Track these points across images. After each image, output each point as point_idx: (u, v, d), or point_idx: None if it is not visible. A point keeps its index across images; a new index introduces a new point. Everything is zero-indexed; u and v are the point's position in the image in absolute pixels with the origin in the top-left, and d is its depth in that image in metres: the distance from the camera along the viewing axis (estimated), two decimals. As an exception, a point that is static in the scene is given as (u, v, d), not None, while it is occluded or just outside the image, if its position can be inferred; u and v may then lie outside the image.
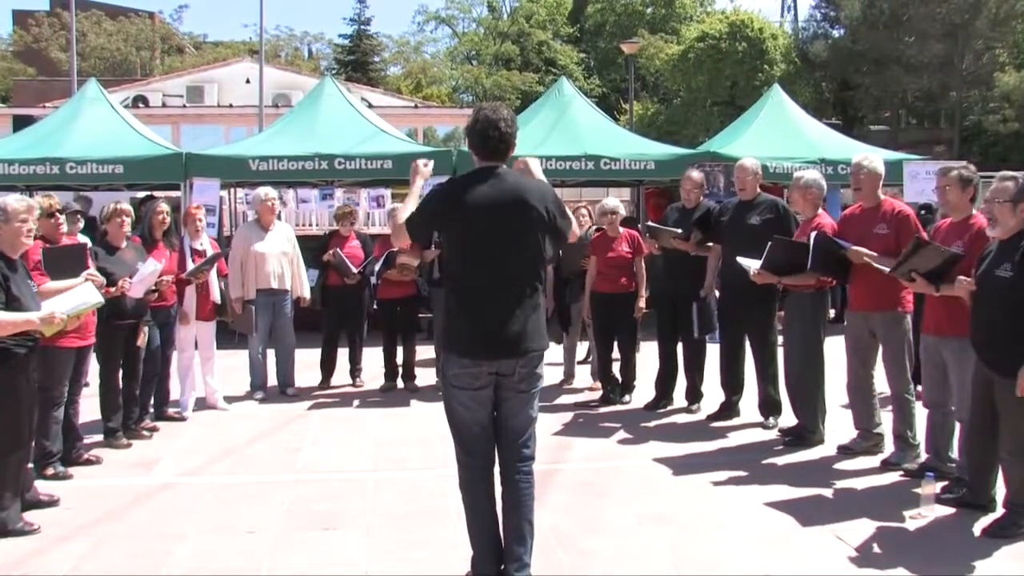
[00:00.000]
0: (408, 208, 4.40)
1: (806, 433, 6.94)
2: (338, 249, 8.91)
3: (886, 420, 6.54)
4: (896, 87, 32.63)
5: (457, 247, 4.27)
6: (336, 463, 6.65)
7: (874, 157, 6.59)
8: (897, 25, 31.98)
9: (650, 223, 8.16)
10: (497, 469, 4.35)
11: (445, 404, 4.36)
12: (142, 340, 7.06)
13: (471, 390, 4.20)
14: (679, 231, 7.65)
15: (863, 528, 5.16)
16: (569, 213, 4.43)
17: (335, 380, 9.22)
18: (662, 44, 42.55)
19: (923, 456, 6.11)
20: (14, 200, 5.16)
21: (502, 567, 4.27)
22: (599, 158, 12.78)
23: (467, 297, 4.21)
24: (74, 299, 5.54)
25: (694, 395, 8.07)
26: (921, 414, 6.16)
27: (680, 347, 8.11)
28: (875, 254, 6.03)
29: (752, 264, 6.74)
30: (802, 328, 6.89)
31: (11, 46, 48.35)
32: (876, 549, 4.90)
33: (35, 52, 44.96)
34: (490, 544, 4.28)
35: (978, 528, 5.09)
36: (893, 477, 6.10)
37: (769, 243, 6.60)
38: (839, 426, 6.95)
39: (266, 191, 8.85)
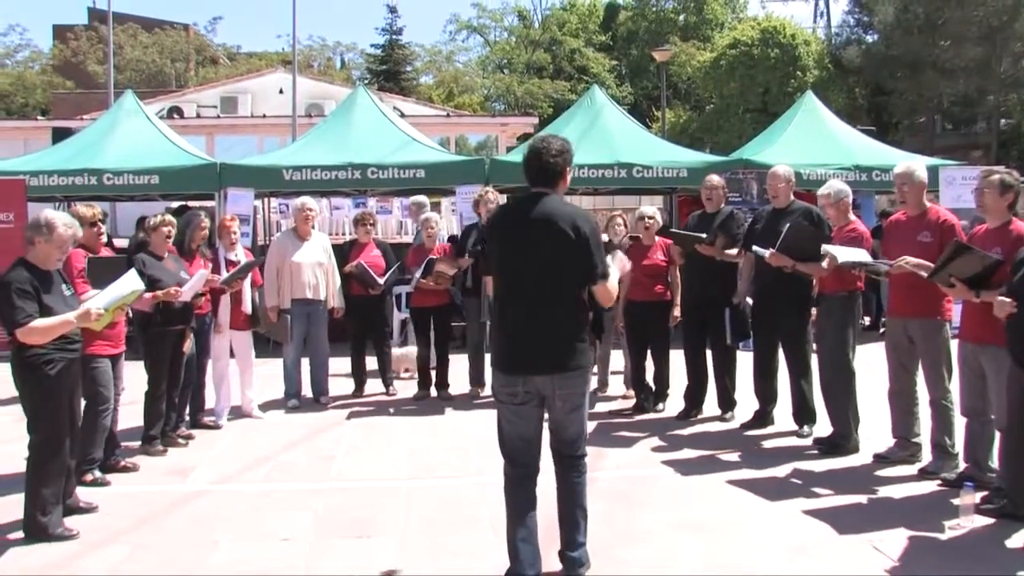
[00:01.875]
0: None
1: (840, 441, 6.88)
2: (361, 261, 8.93)
3: (924, 429, 6.45)
4: (931, 92, 32.33)
5: (495, 267, 4.52)
6: (370, 471, 6.68)
7: (917, 166, 6.50)
8: (932, 29, 31.66)
9: (674, 229, 8.13)
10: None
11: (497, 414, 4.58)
12: (188, 346, 7.15)
13: (513, 404, 4.41)
14: (704, 236, 7.62)
15: (900, 538, 5.10)
16: (609, 264, 4.49)
17: (368, 389, 9.25)
18: (694, 51, 42.55)
19: (962, 465, 6.03)
20: (62, 225, 5.25)
21: (559, 550, 4.47)
22: (631, 166, 12.77)
23: (501, 314, 4.48)
24: (115, 290, 5.56)
25: (727, 403, 8.02)
26: (960, 423, 6.07)
27: (710, 355, 8.07)
28: (916, 260, 5.95)
29: (766, 251, 6.78)
30: (832, 332, 6.85)
31: (51, 60, 49.08)
32: (913, 560, 4.84)
33: (74, 65, 45.60)
34: (527, 551, 4.36)
35: (1020, 540, 5.02)
36: (931, 486, 6.01)
37: (788, 225, 6.60)
38: (875, 434, 6.87)
39: (304, 201, 8.91)
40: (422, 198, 11.71)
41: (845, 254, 6.38)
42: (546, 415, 4.49)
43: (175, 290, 6.67)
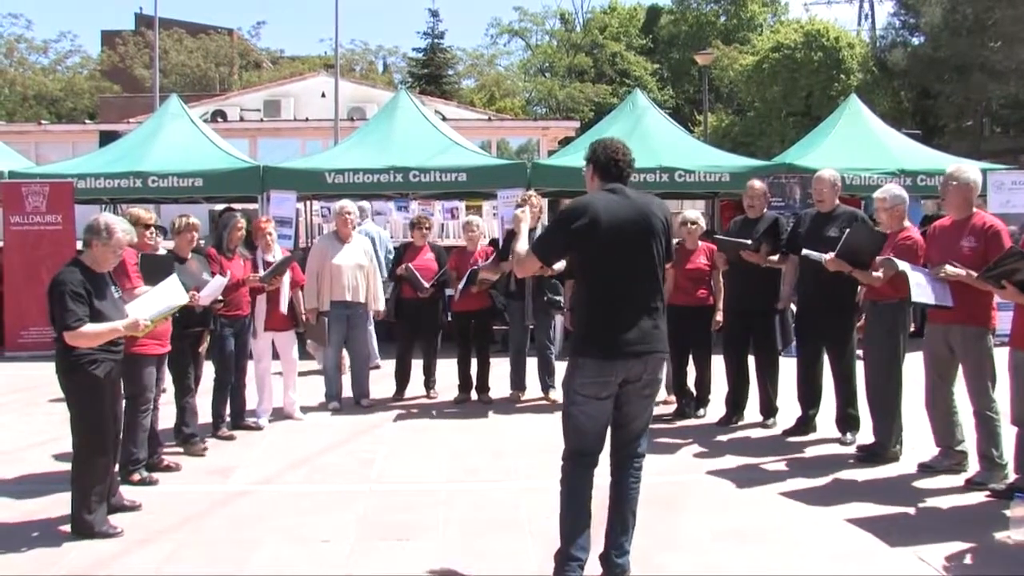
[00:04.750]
0: (522, 242, 4.80)
1: (880, 450, 6.77)
2: (410, 264, 8.95)
3: (968, 438, 6.33)
4: (980, 95, 31.77)
5: (594, 259, 4.51)
6: (410, 474, 6.69)
7: (968, 168, 6.37)
8: (982, 30, 31.07)
9: (719, 236, 8.07)
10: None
11: (565, 410, 4.57)
12: (204, 348, 7.23)
13: (597, 400, 4.45)
14: (748, 243, 7.54)
15: (947, 550, 4.99)
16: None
17: (409, 391, 9.27)
18: (736, 55, 42.28)
19: (1011, 476, 5.89)
20: (121, 231, 5.36)
21: (601, 552, 4.53)
22: (673, 170, 12.72)
23: (603, 304, 4.49)
24: (159, 301, 5.69)
25: (769, 409, 7.94)
26: (1007, 432, 5.94)
27: (752, 360, 7.99)
28: (955, 270, 5.85)
29: (823, 255, 6.68)
30: (881, 339, 6.74)
31: (99, 65, 49.88)
32: (962, 572, 4.75)
33: (121, 70, 46.38)
34: (581, 534, 4.44)
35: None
36: (978, 497, 5.89)
37: (848, 230, 6.50)
38: (919, 443, 6.76)
39: (344, 204, 8.96)
40: (363, 203, 11.85)
41: (905, 266, 6.24)
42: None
43: (192, 294, 6.71)
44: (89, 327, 5.13)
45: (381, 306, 9.04)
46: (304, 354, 9.11)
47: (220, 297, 7.20)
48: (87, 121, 37.50)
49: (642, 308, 4.48)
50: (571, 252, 4.63)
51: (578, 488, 4.50)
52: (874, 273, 6.48)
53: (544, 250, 4.64)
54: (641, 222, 4.51)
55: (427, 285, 8.89)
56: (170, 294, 5.83)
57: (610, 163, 4.65)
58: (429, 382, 9.32)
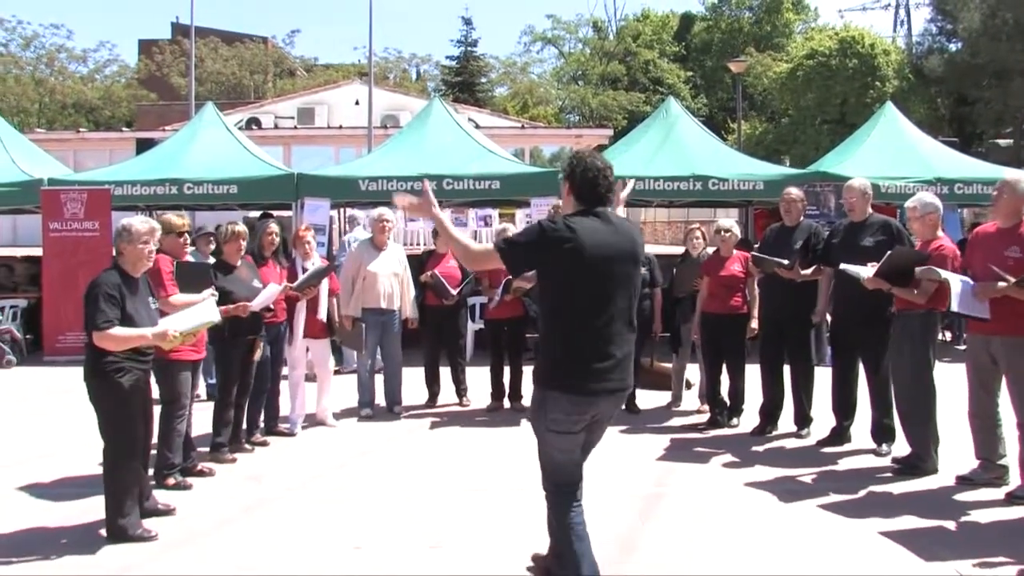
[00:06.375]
0: (462, 236, 4.64)
1: (918, 462, 6.68)
2: (436, 271, 8.98)
3: (1010, 451, 6.22)
4: (1020, 101, 31.31)
5: (574, 288, 4.19)
6: (443, 481, 6.68)
7: None
8: (1022, 35, 30.61)
9: (755, 253, 8.01)
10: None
11: (539, 445, 4.34)
12: (259, 355, 7.25)
13: (571, 434, 4.24)
14: (785, 261, 7.46)
15: (988, 566, 4.91)
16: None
17: (441, 399, 9.29)
18: (770, 62, 42.08)
19: (1054, 490, 5.80)
20: (138, 223, 5.44)
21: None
22: (707, 178, 12.67)
23: (581, 336, 4.19)
24: (193, 317, 5.74)
25: (803, 420, 7.86)
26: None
27: (788, 371, 7.92)
28: (1001, 285, 5.76)
29: (861, 271, 6.59)
30: (912, 350, 6.65)
31: (137, 74, 50.48)
32: (1001, 586, 4.68)
33: (157, 78, 46.89)
34: (588, 559, 4.26)
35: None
36: (1020, 511, 5.79)
37: (889, 252, 6.45)
38: (957, 455, 6.66)
39: (381, 212, 9.00)
40: (357, 212, 11.94)
41: (947, 274, 6.16)
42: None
43: (243, 306, 6.74)
44: (118, 330, 5.17)
45: (413, 314, 9.07)
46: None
47: (270, 306, 7.25)
48: (124, 129, 37.97)
49: (619, 341, 4.21)
50: (542, 270, 4.29)
51: (571, 519, 4.29)
52: (915, 291, 6.39)
53: (511, 255, 4.26)
54: (627, 251, 4.26)
55: (453, 293, 8.90)
56: (204, 313, 5.89)
57: (590, 185, 4.26)
58: (460, 390, 9.33)
